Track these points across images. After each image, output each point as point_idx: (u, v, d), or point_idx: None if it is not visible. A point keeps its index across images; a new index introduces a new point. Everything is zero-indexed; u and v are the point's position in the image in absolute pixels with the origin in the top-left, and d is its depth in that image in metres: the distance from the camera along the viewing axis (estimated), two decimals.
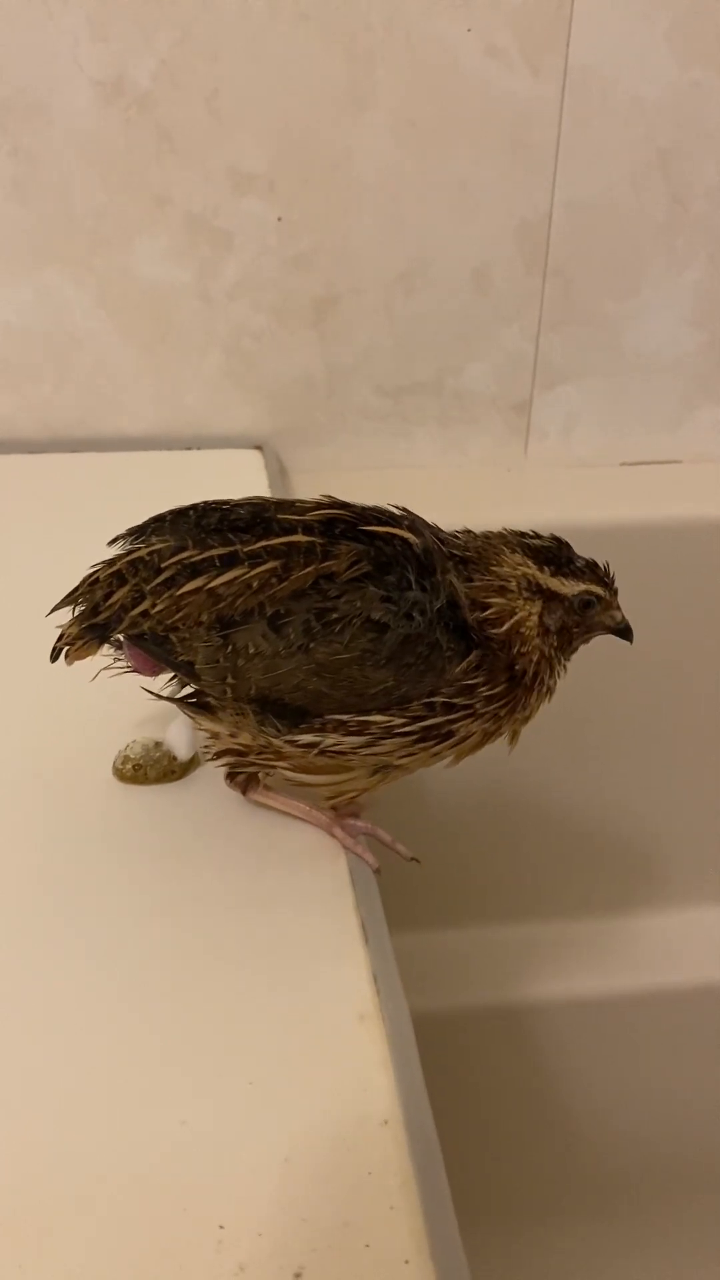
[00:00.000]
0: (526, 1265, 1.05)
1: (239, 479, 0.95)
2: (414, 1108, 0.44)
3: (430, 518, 0.99)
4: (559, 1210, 1.10)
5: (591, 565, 0.54)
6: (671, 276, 0.98)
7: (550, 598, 0.53)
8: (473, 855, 1.06)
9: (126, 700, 0.61)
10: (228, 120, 0.88)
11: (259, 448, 0.98)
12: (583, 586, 0.53)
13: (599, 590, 0.54)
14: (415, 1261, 0.39)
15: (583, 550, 0.56)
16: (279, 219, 0.92)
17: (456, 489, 1.02)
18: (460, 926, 1.09)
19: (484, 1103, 1.04)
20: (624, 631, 0.55)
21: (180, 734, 0.61)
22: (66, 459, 0.96)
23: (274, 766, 0.55)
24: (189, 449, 0.98)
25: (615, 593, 0.54)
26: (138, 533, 0.56)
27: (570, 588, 0.53)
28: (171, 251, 0.92)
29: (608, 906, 1.11)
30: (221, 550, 0.52)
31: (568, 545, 0.54)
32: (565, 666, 0.56)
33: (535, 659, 0.53)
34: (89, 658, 0.57)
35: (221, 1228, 0.40)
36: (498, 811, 1.06)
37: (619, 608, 0.55)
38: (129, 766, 0.61)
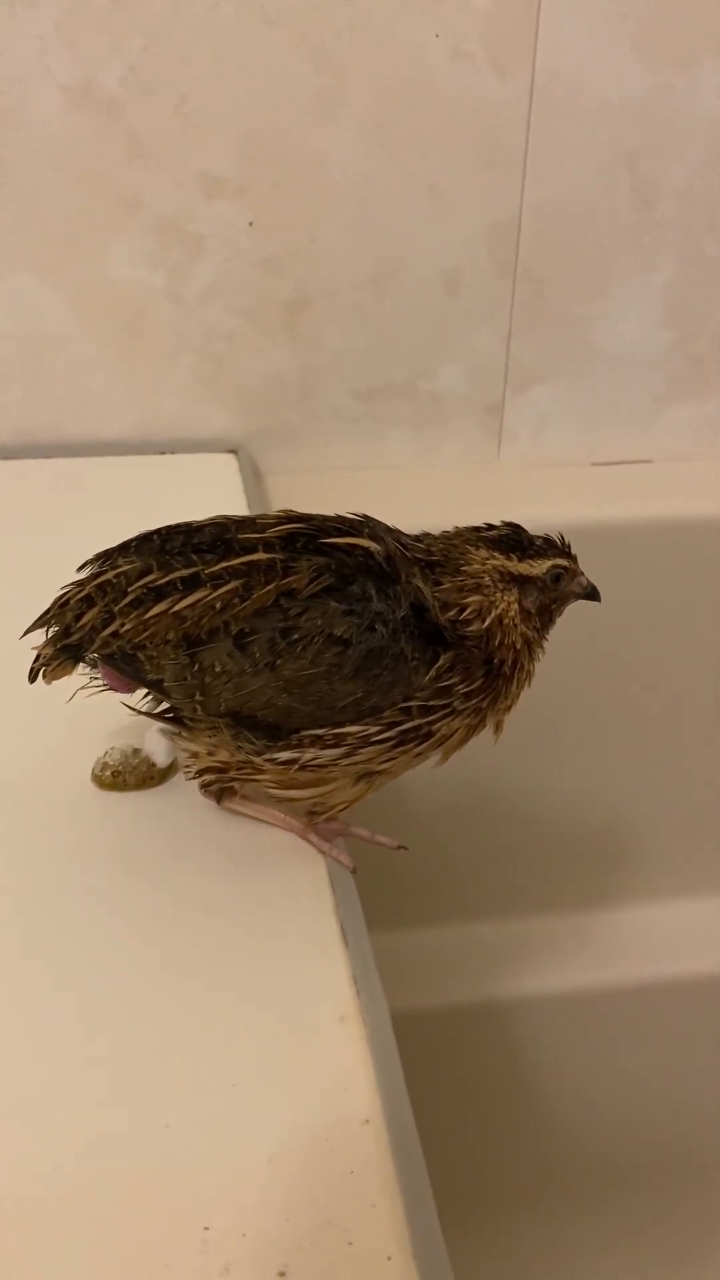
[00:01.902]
0: (507, 1259, 1.06)
1: (214, 483, 0.95)
2: (395, 1107, 0.45)
3: (404, 520, 0.99)
4: (539, 1204, 1.11)
5: (549, 541, 0.56)
6: (640, 277, 0.99)
7: (524, 582, 0.55)
8: (449, 853, 1.07)
9: (104, 707, 0.61)
10: (198, 125, 0.88)
11: (234, 451, 0.99)
12: (549, 562, 0.55)
13: (564, 562, 0.56)
14: (397, 1258, 0.40)
15: None
16: (250, 223, 0.92)
17: (430, 491, 1.02)
18: (437, 924, 1.09)
19: (465, 1099, 1.05)
20: (593, 594, 0.57)
21: (159, 740, 0.61)
22: (40, 465, 0.96)
23: (255, 780, 0.55)
24: (163, 453, 0.99)
25: (576, 560, 0.57)
26: (104, 557, 0.56)
27: (539, 567, 0.55)
28: (143, 256, 0.92)
29: (585, 901, 1.12)
30: (184, 572, 0.53)
31: (522, 528, 0.56)
32: (544, 648, 0.57)
33: (519, 645, 0.55)
34: (66, 676, 0.57)
35: (206, 1228, 0.41)
36: (474, 809, 1.07)
37: (583, 573, 0.57)
38: (108, 774, 0.62)
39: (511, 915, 1.11)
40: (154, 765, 0.62)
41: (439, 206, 0.94)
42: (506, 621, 0.54)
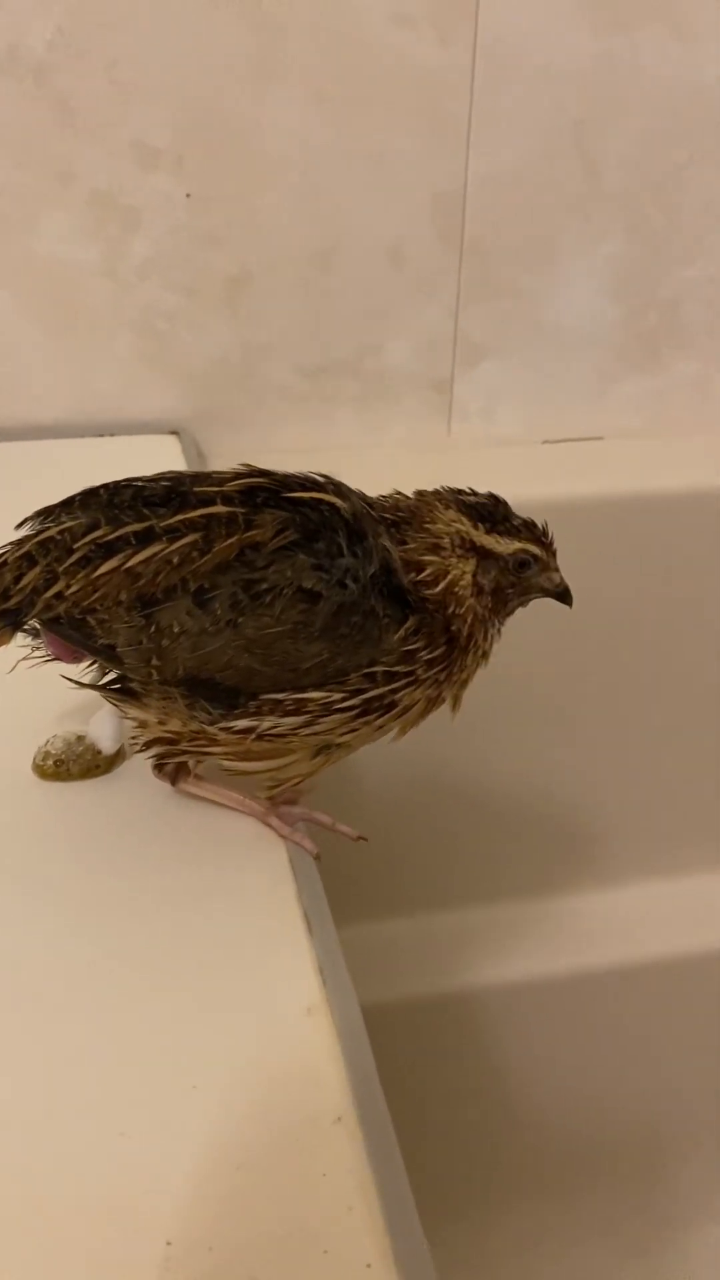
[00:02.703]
0: (475, 1252, 1.04)
1: (156, 466, 0.91)
2: (367, 1103, 0.42)
3: None
4: (505, 1196, 1.09)
5: (529, 524, 0.52)
6: (587, 249, 0.98)
7: (485, 556, 0.51)
8: (404, 843, 1.05)
9: (44, 691, 0.57)
10: (131, 91, 0.85)
11: (176, 433, 0.95)
12: (518, 545, 0.52)
13: (536, 550, 0.52)
14: (378, 1265, 0.37)
15: None
16: (188, 195, 0.89)
17: (380, 471, 0.98)
18: (392, 917, 1.07)
19: (426, 1092, 1.03)
20: (563, 595, 0.54)
21: (104, 726, 0.58)
22: None
23: (208, 754, 0.52)
24: (102, 435, 0.95)
25: (553, 554, 0.53)
26: (46, 514, 0.53)
27: (505, 546, 0.51)
28: (77, 230, 0.89)
29: (539, 888, 1.10)
30: (136, 526, 0.49)
31: (505, 503, 0.53)
32: (499, 630, 0.54)
33: (470, 619, 0.52)
34: (3, 648, 0.53)
35: (169, 1244, 0.37)
36: (427, 798, 1.04)
37: (557, 570, 0.53)
38: (50, 763, 0.58)
39: (468, 905, 1.09)
40: (99, 753, 0.58)
41: (382, 177, 0.91)
42: (458, 590, 0.51)
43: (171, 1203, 0.39)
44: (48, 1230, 0.38)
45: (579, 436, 1.04)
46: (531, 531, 0.52)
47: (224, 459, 0.97)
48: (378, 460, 1.01)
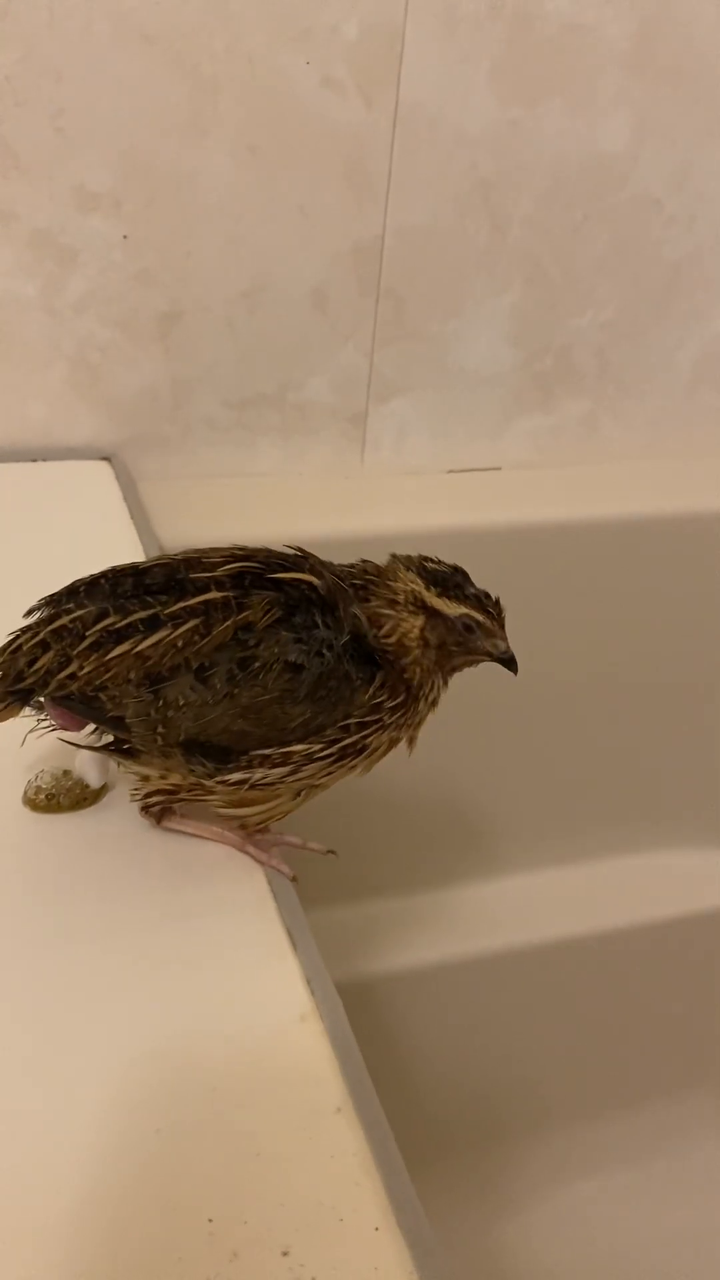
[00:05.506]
0: None
1: (90, 490, 0.97)
2: (362, 1095, 0.50)
3: (274, 524, 1.03)
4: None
5: (481, 596, 0.58)
6: (491, 298, 1.06)
7: (433, 615, 0.57)
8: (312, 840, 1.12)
9: (24, 730, 0.62)
10: (73, 139, 0.89)
11: (107, 459, 1.00)
12: (463, 610, 0.57)
13: (479, 616, 0.58)
14: (384, 1228, 0.45)
15: (415, 550, 0.60)
16: (125, 237, 0.94)
17: (298, 496, 1.07)
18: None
19: None
20: (508, 661, 0.60)
21: (90, 762, 0.64)
22: None
23: (205, 801, 0.59)
24: (35, 460, 0.99)
25: (501, 623, 0.59)
26: (53, 601, 0.58)
27: (452, 609, 0.57)
28: (15, 267, 0.92)
29: (435, 880, 1.19)
30: (143, 614, 0.55)
31: (464, 573, 0.59)
32: (446, 683, 0.61)
33: (418, 670, 0.58)
34: (12, 719, 0.59)
35: (210, 1220, 0.45)
36: (332, 796, 1.11)
37: (504, 639, 0.59)
38: (41, 796, 0.63)
39: (369, 898, 1.17)
40: (87, 787, 0.64)
41: (307, 227, 0.98)
42: (407, 641, 0.57)
43: (207, 1186, 0.46)
44: (109, 1215, 0.45)
45: (480, 467, 1.13)
46: (481, 602, 0.58)
47: (154, 482, 1.03)
48: (296, 486, 1.08)
